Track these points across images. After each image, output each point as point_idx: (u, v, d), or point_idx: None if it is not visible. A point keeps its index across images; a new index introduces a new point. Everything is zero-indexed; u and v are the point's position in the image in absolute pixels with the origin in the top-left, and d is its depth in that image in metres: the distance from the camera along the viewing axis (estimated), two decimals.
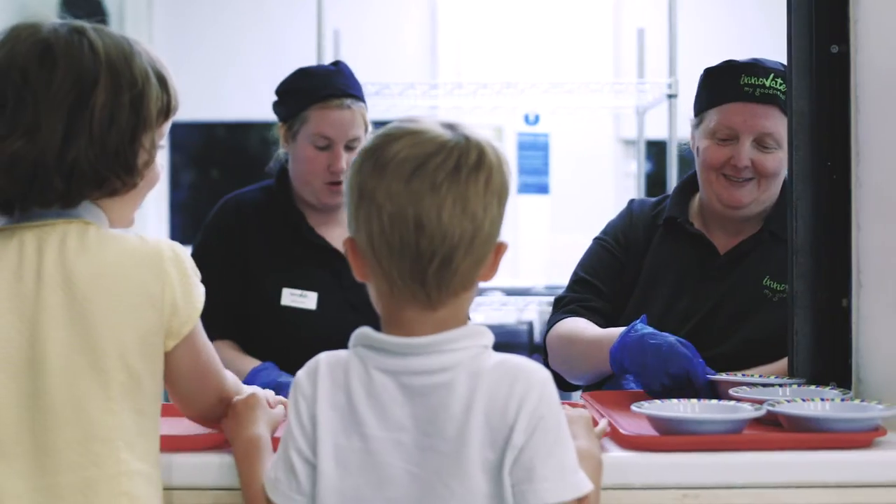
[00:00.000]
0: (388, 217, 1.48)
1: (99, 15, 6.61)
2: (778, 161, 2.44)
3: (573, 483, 1.50)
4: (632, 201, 2.69)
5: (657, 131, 4.97)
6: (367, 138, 1.57)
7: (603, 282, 2.56)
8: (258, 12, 6.78)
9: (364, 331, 1.55)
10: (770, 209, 2.51)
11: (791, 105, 2.18)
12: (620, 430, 1.81)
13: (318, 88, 2.85)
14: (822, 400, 1.91)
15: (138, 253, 1.62)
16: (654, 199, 2.65)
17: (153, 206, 6.95)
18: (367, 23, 4.48)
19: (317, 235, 2.89)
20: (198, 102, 6.83)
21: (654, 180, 6.96)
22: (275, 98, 2.95)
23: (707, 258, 2.52)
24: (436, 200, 1.48)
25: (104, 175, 1.63)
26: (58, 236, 1.61)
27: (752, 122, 2.44)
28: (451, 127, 1.53)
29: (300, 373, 1.56)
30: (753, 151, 2.45)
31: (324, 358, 1.55)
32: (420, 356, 1.51)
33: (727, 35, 6.49)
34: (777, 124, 2.42)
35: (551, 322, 2.54)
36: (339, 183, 2.83)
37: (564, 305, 2.55)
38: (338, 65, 2.95)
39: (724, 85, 2.49)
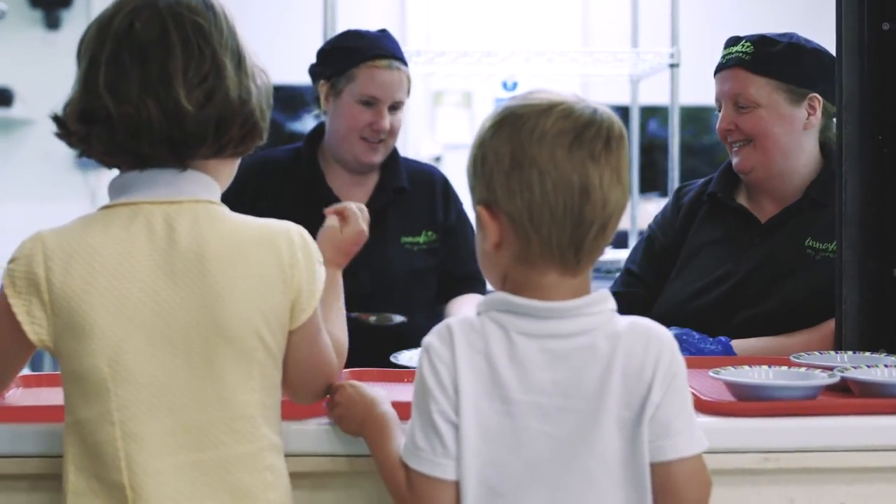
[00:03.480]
0: (553, 184, 1.52)
1: None
2: (757, 119, 2.54)
3: (699, 437, 1.57)
4: (679, 188, 2.79)
5: (621, 97, 5.06)
6: (496, 111, 1.59)
7: (645, 271, 2.69)
8: None
9: (501, 296, 1.57)
10: (811, 177, 2.57)
11: (840, 82, 2.25)
12: (701, 397, 1.87)
13: (368, 48, 2.89)
14: (886, 367, 1.98)
15: (270, 235, 1.63)
16: (702, 180, 2.75)
17: None
18: None
19: (334, 197, 2.91)
20: None
21: None
22: (313, 60, 2.96)
23: (749, 228, 2.60)
24: (597, 169, 1.53)
25: (263, 125, 1.68)
26: (188, 215, 1.61)
27: (724, 88, 2.59)
28: (581, 99, 1.58)
29: (431, 338, 1.57)
30: (734, 115, 2.56)
31: (455, 323, 1.57)
32: (562, 319, 1.55)
33: (726, 7, 6.62)
34: (743, 84, 2.54)
35: None
36: (378, 142, 2.89)
37: None
38: (384, 31, 2.98)
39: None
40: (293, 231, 1.65)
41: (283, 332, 1.63)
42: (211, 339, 1.58)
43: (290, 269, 1.62)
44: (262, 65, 1.71)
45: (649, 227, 2.78)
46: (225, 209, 1.66)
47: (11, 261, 1.61)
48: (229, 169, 1.73)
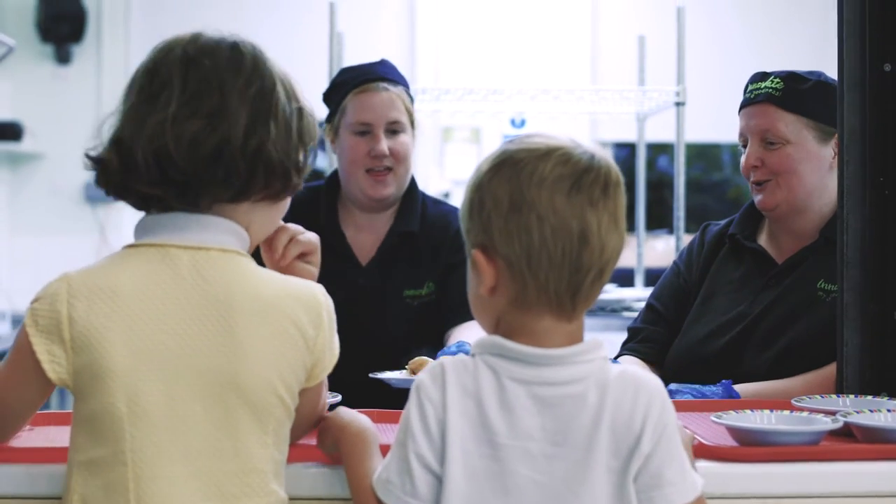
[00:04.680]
0: (551, 229, 1.52)
1: (77, 12, 6.51)
2: (785, 157, 2.52)
3: (692, 483, 1.56)
4: (706, 225, 2.77)
5: (628, 134, 5.07)
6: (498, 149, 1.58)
7: (668, 308, 2.67)
8: (232, 12, 6.77)
9: (495, 340, 1.57)
10: (828, 217, 2.55)
11: (842, 121, 2.24)
12: (702, 441, 1.85)
13: (355, 77, 2.80)
14: (889, 411, 1.96)
15: (298, 294, 1.64)
16: (727, 219, 2.73)
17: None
18: (347, 28, 4.50)
19: (344, 243, 2.82)
20: None
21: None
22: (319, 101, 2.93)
23: (765, 270, 2.59)
24: (595, 215, 1.53)
25: (286, 167, 1.65)
26: (217, 263, 1.61)
27: (751, 124, 2.57)
28: (577, 143, 1.58)
29: (424, 376, 1.57)
30: (762, 151, 2.55)
31: (448, 363, 1.57)
32: (554, 367, 1.54)
33: (729, 45, 6.66)
34: (773, 120, 2.53)
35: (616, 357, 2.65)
36: (382, 171, 2.76)
37: (632, 338, 2.67)
38: (381, 60, 2.88)
39: (742, 98, 2.63)
40: (318, 293, 1.67)
41: (298, 389, 1.65)
42: (230, 391, 1.58)
43: (314, 331, 1.64)
44: (306, 105, 1.71)
45: (674, 262, 2.76)
46: (252, 262, 1.66)
47: (36, 300, 1.61)
48: (265, 215, 1.72)
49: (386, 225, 2.85)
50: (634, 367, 1.60)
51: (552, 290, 1.53)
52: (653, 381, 1.57)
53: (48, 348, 1.58)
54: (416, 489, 1.54)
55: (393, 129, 2.77)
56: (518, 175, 1.54)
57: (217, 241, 1.63)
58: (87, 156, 1.65)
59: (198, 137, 1.60)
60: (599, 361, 1.57)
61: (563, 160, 1.54)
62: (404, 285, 2.80)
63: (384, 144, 2.75)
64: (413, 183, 2.89)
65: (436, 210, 2.91)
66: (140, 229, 1.66)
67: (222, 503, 1.58)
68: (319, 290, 1.67)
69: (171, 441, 1.57)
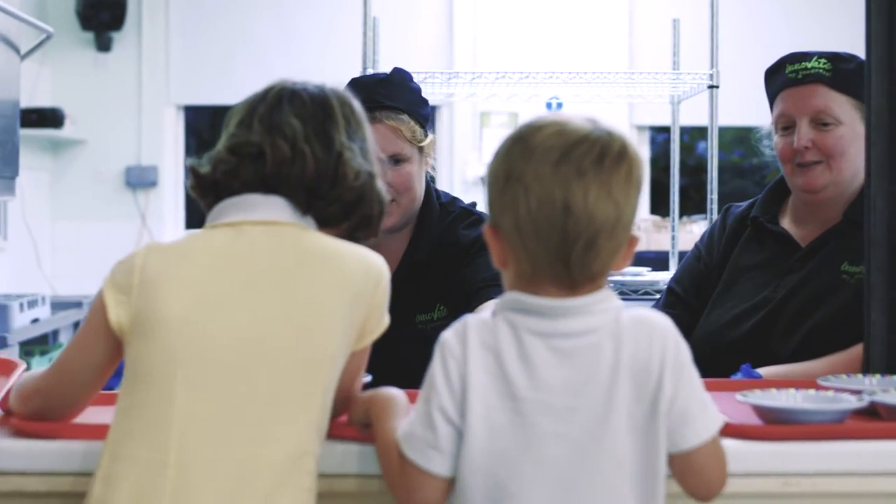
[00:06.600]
0: (537, 199, 1.55)
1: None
2: (838, 138, 2.50)
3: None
4: (728, 207, 2.76)
5: (664, 118, 5.05)
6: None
7: (688, 292, 2.67)
8: None
9: (514, 295, 1.61)
10: (852, 199, 2.54)
11: (869, 102, 2.23)
12: (727, 420, 1.85)
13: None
14: None
15: (362, 257, 1.73)
16: (748, 201, 2.72)
17: (171, 190, 6.97)
18: (382, 12, 4.51)
19: None
20: (213, 86, 6.86)
21: (658, 166, 7.13)
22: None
23: (789, 253, 2.58)
24: (582, 185, 1.55)
25: (380, 210, 1.85)
26: (287, 231, 1.71)
27: (801, 104, 2.52)
28: (592, 121, 1.60)
29: (448, 333, 1.61)
30: (812, 132, 2.51)
31: (471, 320, 1.61)
32: (569, 317, 1.58)
33: (763, 28, 6.64)
34: (826, 100, 2.50)
35: None
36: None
37: None
38: (391, 72, 2.68)
39: (775, 79, 2.60)
40: (380, 262, 1.76)
41: (349, 350, 1.71)
42: (291, 346, 1.65)
43: (372, 289, 1.71)
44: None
45: (696, 245, 2.75)
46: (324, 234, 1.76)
47: (119, 263, 1.71)
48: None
49: (400, 250, 2.69)
50: (644, 309, 1.63)
51: (543, 260, 1.57)
52: (663, 321, 1.61)
53: (116, 297, 1.67)
54: (438, 441, 1.58)
55: (396, 161, 2.60)
56: (512, 148, 1.59)
57: (289, 217, 1.72)
58: (234, 149, 1.73)
59: (360, 172, 1.77)
60: (613, 311, 1.60)
61: (557, 133, 1.58)
62: (415, 311, 2.65)
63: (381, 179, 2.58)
64: (428, 202, 2.70)
65: (451, 231, 2.70)
66: (214, 214, 1.74)
67: (263, 448, 1.62)
68: (381, 260, 1.75)
69: (222, 384, 1.63)
